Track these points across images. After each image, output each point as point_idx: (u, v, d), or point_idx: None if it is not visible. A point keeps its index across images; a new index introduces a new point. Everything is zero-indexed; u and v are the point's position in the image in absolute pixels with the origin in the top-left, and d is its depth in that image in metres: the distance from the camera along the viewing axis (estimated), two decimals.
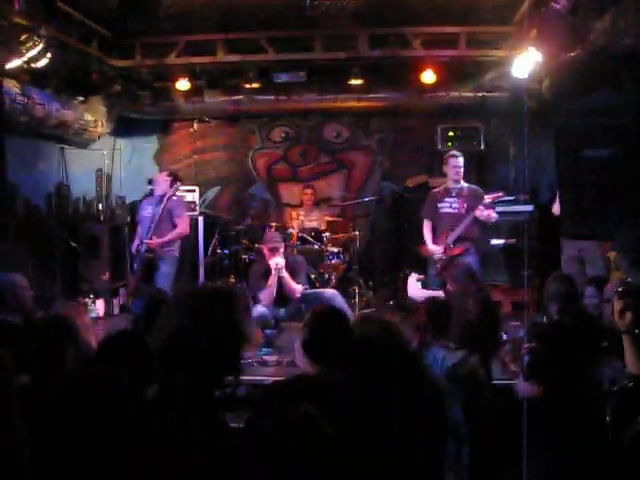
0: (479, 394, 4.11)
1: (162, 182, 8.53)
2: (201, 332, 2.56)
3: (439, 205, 8.12)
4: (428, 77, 9.53)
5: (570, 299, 4.49)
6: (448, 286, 6.11)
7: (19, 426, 2.37)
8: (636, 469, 2.91)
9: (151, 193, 8.91)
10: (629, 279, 3.86)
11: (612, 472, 3.35)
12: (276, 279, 7.41)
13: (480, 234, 8.20)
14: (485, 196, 7.84)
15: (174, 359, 2.57)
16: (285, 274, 7.44)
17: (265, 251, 7.64)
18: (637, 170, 5.17)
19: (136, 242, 8.48)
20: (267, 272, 7.49)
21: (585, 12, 6.33)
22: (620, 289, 3.54)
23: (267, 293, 7.43)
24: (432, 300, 4.71)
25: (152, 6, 8.19)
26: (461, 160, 8.09)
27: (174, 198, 8.42)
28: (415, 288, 7.45)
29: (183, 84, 9.89)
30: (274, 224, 9.79)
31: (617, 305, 3.51)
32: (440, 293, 6.39)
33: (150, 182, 9.28)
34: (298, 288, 7.50)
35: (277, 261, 7.41)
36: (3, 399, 2.29)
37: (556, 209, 7.99)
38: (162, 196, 8.36)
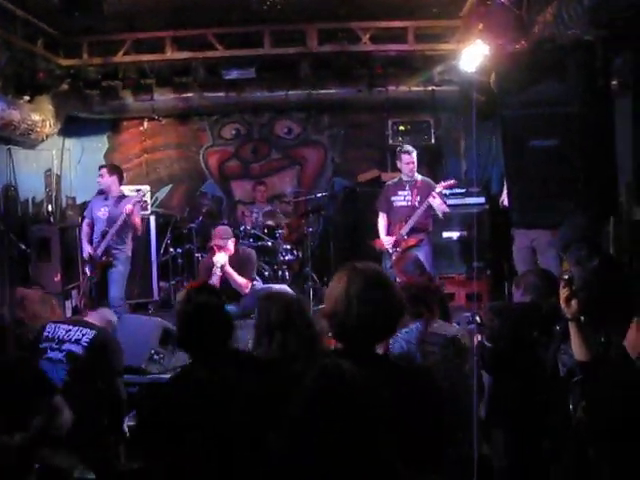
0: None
1: (110, 182, 8.31)
2: None
3: (392, 198, 8.17)
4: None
5: (547, 293, 4.54)
6: (397, 279, 6.13)
7: None
8: None
9: (101, 192, 8.70)
10: (572, 268, 3.91)
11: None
12: (218, 276, 7.40)
13: (433, 226, 8.28)
14: (438, 185, 7.92)
15: None
16: (229, 270, 7.41)
17: (213, 247, 7.62)
18: (583, 159, 5.25)
19: (87, 247, 8.21)
20: (212, 267, 7.48)
21: (529, 4, 6.41)
22: (566, 277, 3.59)
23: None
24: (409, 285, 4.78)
25: (98, 3, 8.10)
26: (413, 155, 8.15)
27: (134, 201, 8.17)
28: None
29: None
30: (226, 222, 9.74)
31: (563, 293, 3.56)
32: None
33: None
34: (244, 282, 7.48)
35: (217, 258, 7.41)
36: None
37: (505, 201, 8.08)
38: (120, 197, 8.19)
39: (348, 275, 2.74)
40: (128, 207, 7.82)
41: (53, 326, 4.69)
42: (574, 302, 3.52)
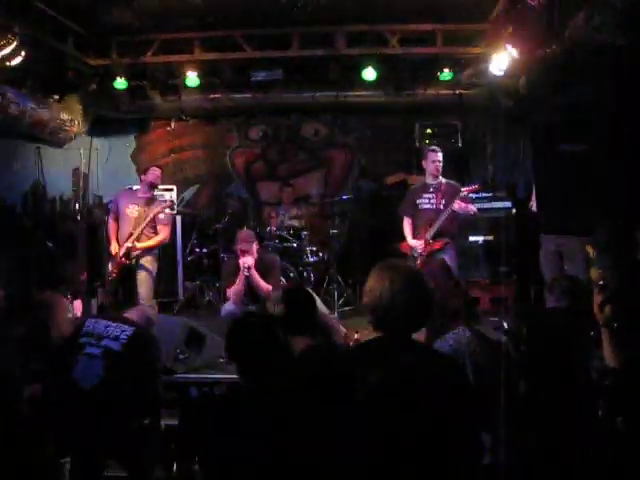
0: None
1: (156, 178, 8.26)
2: None
3: (417, 201, 8.11)
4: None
5: (580, 298, 4.51)
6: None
7: None
8: None
9: (130, 188, 8.58)
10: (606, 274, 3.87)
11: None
12: (244, 278, 7.41)
13: (458, 230, 8.24)
14: (462, 189, 7.86)
15: None
16: (254, 273, 7.42)
17: (238, 250, 7.62)
18: (613, 165, 5.21)
19: (114, 243, 8.06)
20: (237, 270, 7.48)
21: (560, 8, 6.36)
22: (601, 282, 3.56)
23: (235, 291, 7.42)
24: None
25: (128, 4, 8.15)
26: (440, 155, 8.08)
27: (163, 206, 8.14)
28: None
29: (192, 79, 9.82)
30: (252, 223, 9.76)
31: (597, 298, 3.53)
32: None
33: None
34: (268, 287, 7.48)
35: (244, 260, 7.41)
36: None
37: (534, 206, 8.02)
38: (150, 198, 8.14)
39: (389, 272, 3.13)
40: (156, 211, 7.83)
41: (93, 321, 4.69)
42: (608, 308, 3.49)
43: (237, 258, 7.59)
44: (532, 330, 4.11)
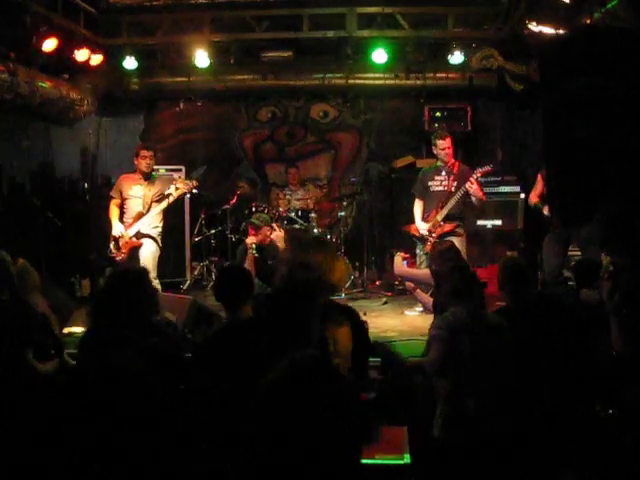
0: None
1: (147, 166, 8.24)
2: None
3: (429, 183, 8.10)
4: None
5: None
6: (433, 266, 6.12)
7: None
8: None
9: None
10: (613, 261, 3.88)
11: None
12: (252, 258, 7.54)
13: (466, 214, 8.24)
14: (475, 171, 7.83)
15: None
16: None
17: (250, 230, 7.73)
18: (625, 150, 5.19)
19: (118, 225, 7.90)
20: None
21: None
22: (611, 269, 3.57)
23: None
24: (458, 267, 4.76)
25: None
26: (449, 140, 8.06)
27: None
28: (400, 267, 7.47)
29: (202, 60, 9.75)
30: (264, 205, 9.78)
31: (606, 286, 3.54)
32: (426, 272, 6.42)
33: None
34: None
35: (248, 240, 7.55)
36: None
37: (546, 210, 7.93)
38: (153, 177, 8.18)
39: None
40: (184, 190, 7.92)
41: None
42: (617, 295, 3.50)
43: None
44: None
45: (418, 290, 6.76)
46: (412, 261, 8.27)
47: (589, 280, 4.40)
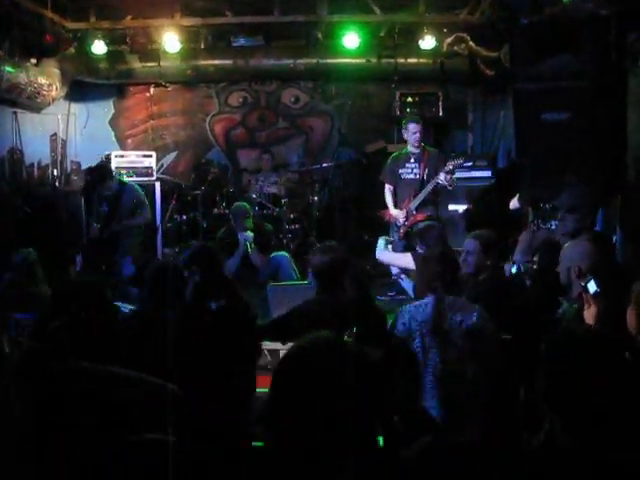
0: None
1: None
2: None
3: (400, 171, 8.12)
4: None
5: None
6: (418, 248, 6.13)
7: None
8: None
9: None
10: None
11: None
12: (242, 253, 7.57)
13: (438, 199, 8.27)
14: (449, 162, 7.83)
15: None
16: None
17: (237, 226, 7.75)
18: (594, 133, 5.24)
19: (94, 227, 8.38)
20: (237, 244, 7.63)
21: None
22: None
23: (234, 263, 7.54)
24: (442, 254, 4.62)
25: None
26: (420, 126, 8.07)
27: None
28: (382, 251, 7.34)
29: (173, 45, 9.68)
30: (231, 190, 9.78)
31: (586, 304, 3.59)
32: (407, 256, 6.39)
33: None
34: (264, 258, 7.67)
35: (245, 236, 7.55)
36: None
37: (512, 204, 8.00)
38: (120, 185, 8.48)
39: None
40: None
41: None
42: (592, 310, 3.55)
43: (233, 232, 7.71)
44: None
45: (403, 275, 6.71)
46: None
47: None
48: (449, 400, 3.83)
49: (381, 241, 7.19)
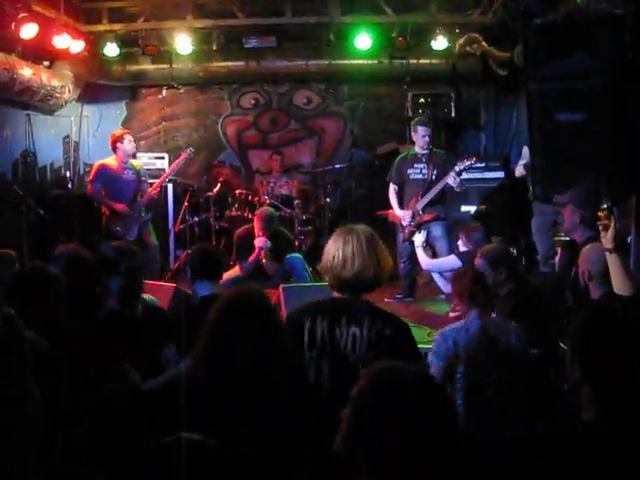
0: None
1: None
2: None
3: (408, 171, 8.10)
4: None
5: None
6: (462, 247, 6.14)
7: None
8: None
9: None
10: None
11: None
12: (257, 257, 7.57)
13: (450, 200, 8.25)
14: (458, 163, 7.81)
15: None
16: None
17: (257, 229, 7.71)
18: (609, 134, 5.20)
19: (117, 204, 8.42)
20: (252, 248, 7.60)
21: None
22: (604, 206, 3.56)
23: (246, 269, 7.54)
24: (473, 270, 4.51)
25: None
26: (429, 128, 8.05)
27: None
28: (425, 259, 7.13)
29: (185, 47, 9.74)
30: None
31: (602, 222, 3.54)
32: (452, 259, 6.35)
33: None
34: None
35: (262, 241, 7.51)
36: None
37: (518, 171, 8.05)
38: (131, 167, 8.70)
39: (345, 234, 3.27)
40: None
41: None
42: (611, 232, 3.50)
43: (253, 235, 7.67)
44: None
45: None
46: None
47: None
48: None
49: (419, 250, 7.04)
